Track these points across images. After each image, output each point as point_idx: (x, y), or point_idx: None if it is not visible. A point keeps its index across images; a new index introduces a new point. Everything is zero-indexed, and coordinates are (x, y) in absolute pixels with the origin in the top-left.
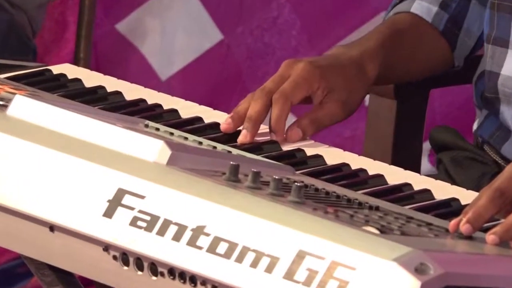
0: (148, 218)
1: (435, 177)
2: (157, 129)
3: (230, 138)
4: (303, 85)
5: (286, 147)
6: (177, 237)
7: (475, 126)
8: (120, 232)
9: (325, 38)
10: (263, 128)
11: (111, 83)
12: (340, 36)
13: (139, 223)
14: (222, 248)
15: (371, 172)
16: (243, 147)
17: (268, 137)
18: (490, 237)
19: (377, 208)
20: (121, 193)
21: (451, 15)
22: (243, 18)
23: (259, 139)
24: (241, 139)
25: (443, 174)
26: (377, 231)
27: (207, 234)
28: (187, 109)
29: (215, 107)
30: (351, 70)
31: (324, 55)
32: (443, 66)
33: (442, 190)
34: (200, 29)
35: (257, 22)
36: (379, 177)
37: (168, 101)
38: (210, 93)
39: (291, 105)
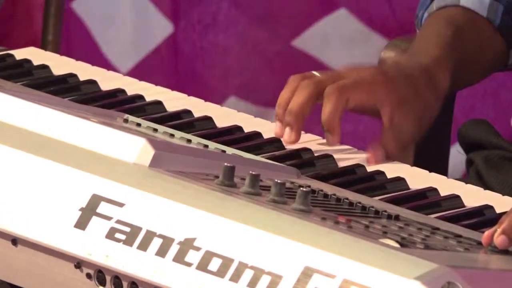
0: (127, 229)
1: (466, 181)
2: (138, 124)
3: (224, 134)
4: (366, 88)
5: (290, 146)
6: (162, 252)
7: None
8: (94, 246)
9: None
10: (263, 122)
11: (85, 70)
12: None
13: (117, 235)
14: (214, 264)
15: (389, 175)
16: (240, 146)
17: (270, 134)
18: (499, 238)
19: (396, 218)
20: (96, 200)
21: (506, 5)
22: (185, 11)
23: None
24: (285, 138)
25: (475, 177)
26: (396, 245)
27: (197, 248)
28: (174, 101)
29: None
30: (421, 80)
31: (387, 64)
32: (499, 66)
33: (474, 196)
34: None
35: (197, 17)
36: (400, 181)
37: (151, 92)
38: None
39: (347, 106)
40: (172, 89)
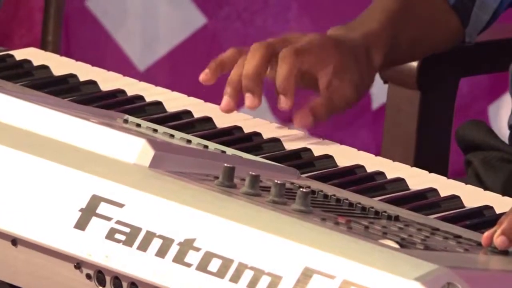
0: (127, 230)
1: (465, 181)
2: (138, 125)
3: (224, 135)
4: (318, 50)
5: (290, 146)
6: (161, 253)
7: (510, 120)
8: (94, 246)
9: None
10: (263, 123)
11: (85, 71)
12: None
13: (117, 235)
14: (214, 265)
15: (389, 175)
16: (239, 147)
17: (270, 135)
18: (498, 239)
19: (396, 218)
20: (95, 200)
21: None
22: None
23: (258, 137)
24: (248, 104)
25: (473, 178)
26: (396, 245)
27: (197, 249)
28: (174, 101)
29: (205, 100)
30: (360, 52)
31: (328, 34)
32: (452, 44)
33: (473, 197)
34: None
35: (244, 3)
36: (399, 181)
37: (151, 92)
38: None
39: (301, 67)
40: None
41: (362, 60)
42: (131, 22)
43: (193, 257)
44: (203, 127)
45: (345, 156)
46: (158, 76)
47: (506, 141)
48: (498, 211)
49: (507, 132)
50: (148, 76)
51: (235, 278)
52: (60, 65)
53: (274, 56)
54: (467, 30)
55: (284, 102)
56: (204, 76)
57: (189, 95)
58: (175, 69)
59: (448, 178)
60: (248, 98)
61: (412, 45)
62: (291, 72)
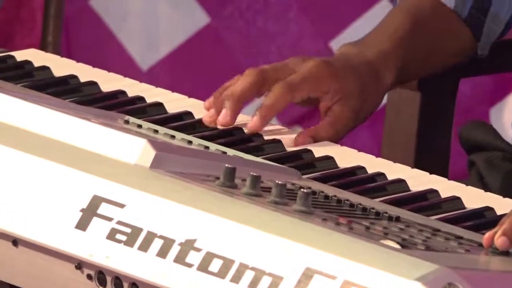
0: (128, 230)
1: (466, 182)
2: (139, 125)
3: (225, 136)
4: (313, 82)
5: (291, 147)
6: (162, 253)
7: None
8: (95, 246)
9: (330, 22)
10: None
11: (85, 72)
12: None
13: (118, 236)
14: (215, 265)
15: (390, 176)
16: (240, 148)
17: (271, 136)
18: (499, 240)
19: (397, 219)
20: (96, 201)
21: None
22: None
23: (259, 138)
24: (220, 120)
25: (476, 179)
26: (397, 246)
27: (198, 249)
28: (174, 102)
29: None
30: (366, 74)
31: (335, 55)
32: (465, 57)
33: (474, 198)
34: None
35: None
36: (400, 183)
37: (152, 93)
38: (199, 85)
39: (291, 101)
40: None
41: (368, 84)
42: (134, 21)
43: (194, 258)
44: (204, 128)
45: (346, 157)
46: (161, 76)
47: (510, 141)
48: (499, 212)
49: (511, 132)
50: (150, 75)
51: (236, 279)
52: (60, 66)
53: (267, 83)
54: (479, 44)
55: (255, 123)
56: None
57: (191, 94)
58: (177, 69)
59: (449, 179)
60: (223, 115)
61: (423, 62)
62: (277, 105)
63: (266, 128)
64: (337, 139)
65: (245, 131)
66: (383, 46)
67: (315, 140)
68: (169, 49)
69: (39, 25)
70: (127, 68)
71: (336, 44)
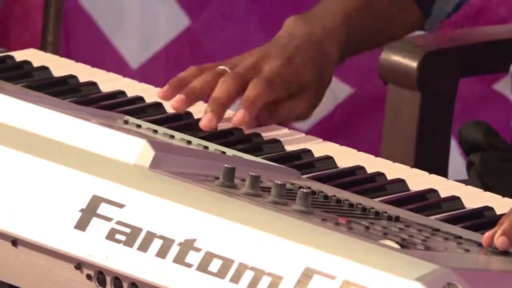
0: (128, 230)
1: (466, 182)
2: (139, 125)
3: (224, 136)
4: (280, 84)
5: (290, 147)
6: (162, 253)
7: None
8: (95, 246)
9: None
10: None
11: (85, 72)
12: None
13: (118, 236)
14: (215, 265)
15: (390, 176)
16: (239, 147)
17: (270, 136)
18: (499, 239)
19: (397, 219)
20: (96, 201)
21: None
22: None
23: (259, 137)
24: (204, 122)
25: (475, 178)
26: (397, 246)
27: (198, 250)
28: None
29: (205, 101)
30: (316, 55)
31: (285, 34)
32: (410, 32)
33: (474, 197)
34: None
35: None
36: (400, 182)
37: (151, 93)
38: None
39: (268, 99)
40: None
41: (320, 66)
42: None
43: (193, 258)
44: None
45: (345, 157)
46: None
47: (509, 141)
48: (498, 212)
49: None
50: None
51: (235, 279)
52: (60, 66)
53: (245, 85)
54: (428, 21)
55: (239, 117)
56: (162, 93)
57: None
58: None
59: (448, 179)
60: (207, 118)
61: (371, 37)
62: (259, 98)
63: (265, 128)
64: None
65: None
66: (328, 23)
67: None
68: (157, 48)
69: (35, 23)
70: (117, 66)
71: None
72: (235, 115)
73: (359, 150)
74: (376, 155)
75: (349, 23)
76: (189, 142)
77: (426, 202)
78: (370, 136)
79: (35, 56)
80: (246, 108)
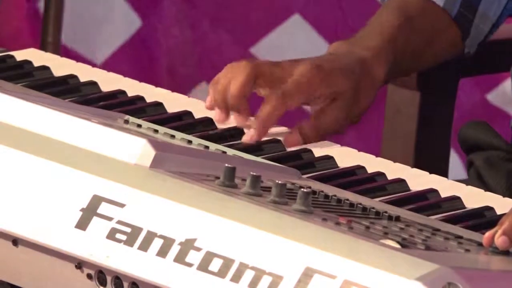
0: (128, 230)
1: (466, 182)
2: (139, 125)
3: (224, 136)
4: (305, 89)
5: (290, 147)
6: (162, 252)
7: None
8: (95, 246)
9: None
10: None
11: (85, 72)
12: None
13: (118, 235)
14: (215, 265)
15: (390, 176)
16: (240, 147)
17: (271, 136)
18: (500, 239)
19: (397, 219)
20: (96, 200)
21: None
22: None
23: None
24: (237, 122)
25: (475, 178)
26: (397, 245)
27: (198, 249)
28: (174, 102)
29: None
30: (358, 74)
31: (326, 54)
32: (452, 56)
33: (474, 197)
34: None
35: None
36: (400, 182)
37: (151, 93)
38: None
39: (286, 110)
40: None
41: (360, 83)
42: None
43: (194, 257)
44: (203, 127)
45: (346, 157)
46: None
47: (509, 141)
48: (498, 212)
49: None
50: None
51: (236, 278)
52: (60, 65)
53: (261, 76)
54: (467, 42)
55: (252, 137)
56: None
57: None
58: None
59: (448, 179)
60: (236, 117)
61: (413, 58)
62: (273, 115)
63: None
64: (324, 137)
65: (243, 141)
66: (374, 42)
67: (304, 139)
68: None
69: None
70: None
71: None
72: (246, 134)
73: (359, 150)
74: (376, 155)
75: (395, 41)
76: (190, 142)
77: (427, 202)
78: (370, 136)
79: (35, 56)
80: (258, 126)
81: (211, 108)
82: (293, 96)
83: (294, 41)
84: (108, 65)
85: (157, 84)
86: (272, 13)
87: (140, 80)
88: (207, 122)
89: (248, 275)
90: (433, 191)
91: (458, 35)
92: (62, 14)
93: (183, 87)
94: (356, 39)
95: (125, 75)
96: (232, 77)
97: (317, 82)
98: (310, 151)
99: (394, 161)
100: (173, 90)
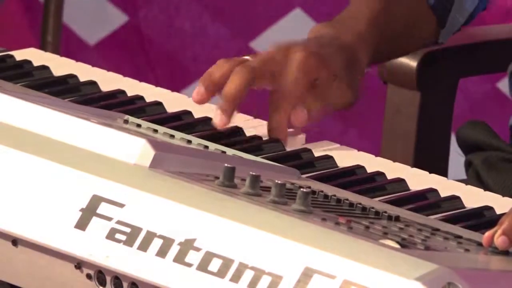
0: (128, 230)
1: (465, 182)
2: (139, 125)
3: (225, 136)
4: (304, 80)
5: (290, 147)
6: (162, 253)
7: (511, 121)
8: (95, 246)
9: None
10: (263, 123)
11: (85, 72)
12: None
13: (118, 235)
14: (215, 265)
15: (390, 176)
16: (239, 147)
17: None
18: (499, 239)
19: (397, 218)
20: (96, 200)
21: None
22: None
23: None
24: (217, 122)
25: (474, 178)
26: (397, 245)
27: (198, 249)
28: (174, 101)
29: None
30: (348, 57)
31: (314, 38)
32: (427, 44)
33: (474, 197)
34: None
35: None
36: (400, 182)
37: (151, 93)
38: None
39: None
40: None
41: (350, 65)
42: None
43: (193, 257)
44: (203, 127)
45: (345, 156)
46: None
47: (507, 141)
48: (498, 212)
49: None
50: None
51: (235, 278)
52: (60, 65)
53: (257, 79)
54: (442, 31)
55: (220, 122)
56: (198, 98)
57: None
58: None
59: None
60: (219, 116)
61: (392, 44)
62: (283, 119)
63: (265, 128)
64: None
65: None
66: (358, 29)
67: (310, 115)
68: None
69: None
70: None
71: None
72: (215, 117)
73: (359, 150)
74: (376, 155)
75: (378, 26)
76: (189, 142)
77: (426, 201)
78: (370, 136)
79: (35, 55)
80: (223, 105)
81: (198, 101)
82: (296, 94)
83: (295, 36)
84: (100, 49)
85: (152, 72)
86: (273, 7)
87: (135, 68)
88: (207, 121)
89: (248, 275)
90: (433, 191)
91: (434, 23)
92: (62, 14)
93: (181, 83)
94: (340, 22)
95: (118, 59)
96: (230, 78)
97: (315, 68)
98: (310, 151)
99: (394, 161)
100: (170, 84)
